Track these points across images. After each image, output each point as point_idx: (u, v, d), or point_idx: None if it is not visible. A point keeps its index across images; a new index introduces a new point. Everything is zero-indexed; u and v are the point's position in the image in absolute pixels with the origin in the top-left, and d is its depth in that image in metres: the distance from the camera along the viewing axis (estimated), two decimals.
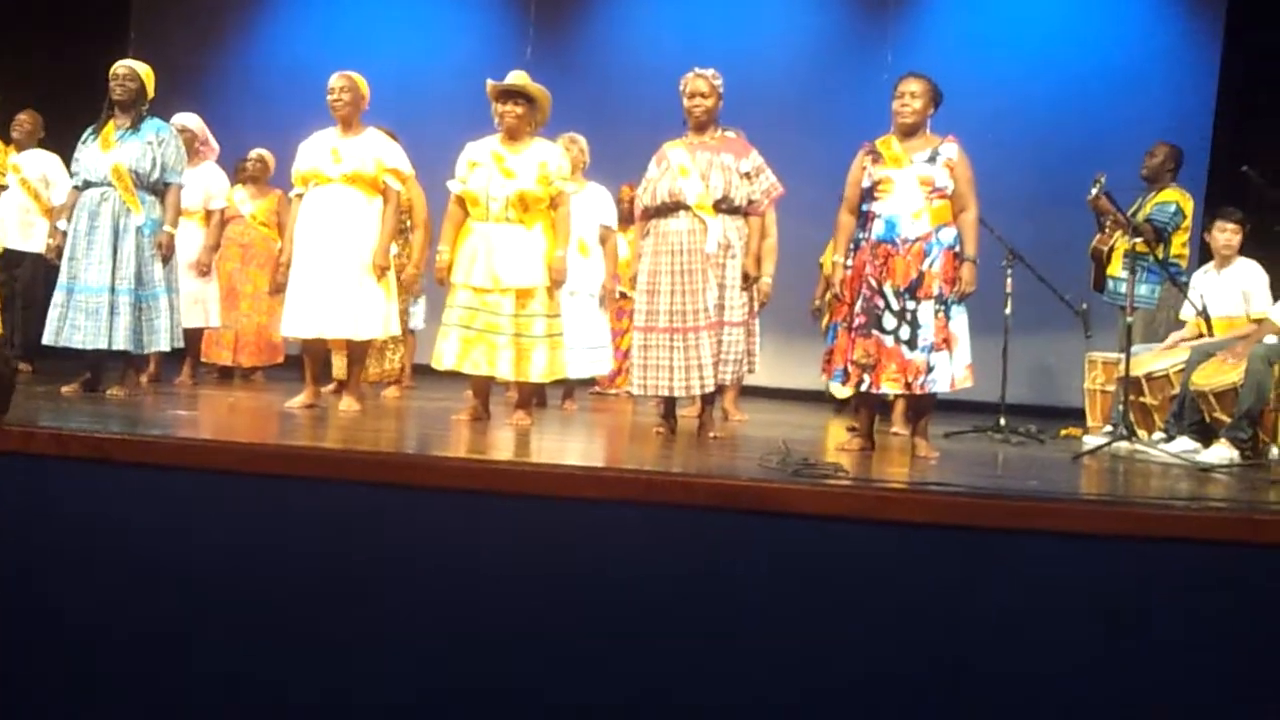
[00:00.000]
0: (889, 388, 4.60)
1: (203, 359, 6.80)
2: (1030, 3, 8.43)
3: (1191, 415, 5.15)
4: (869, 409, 4.87)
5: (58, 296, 5.19)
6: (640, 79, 8.09)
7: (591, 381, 7.28)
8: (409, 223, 6.19)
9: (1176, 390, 5.34)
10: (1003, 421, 5.82)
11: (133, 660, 3.25)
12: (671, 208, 4.86)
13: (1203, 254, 6.13)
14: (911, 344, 4.51)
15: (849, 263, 4.67)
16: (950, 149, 4.62)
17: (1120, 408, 5.29)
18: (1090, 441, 5.53)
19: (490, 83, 5.10)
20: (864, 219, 4.67)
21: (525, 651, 3.18)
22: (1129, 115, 7.79)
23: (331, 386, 6.14)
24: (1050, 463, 4.84)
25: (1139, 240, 5.51)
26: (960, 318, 4.58)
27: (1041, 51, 8.29)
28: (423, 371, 6.30)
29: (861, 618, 3.14)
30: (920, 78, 4.69)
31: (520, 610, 3.20)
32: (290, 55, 8.98)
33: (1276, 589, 3.09)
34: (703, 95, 4.89)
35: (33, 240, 6.60)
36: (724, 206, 4.83)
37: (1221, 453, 4.76)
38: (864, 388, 4.60)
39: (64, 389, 5.20)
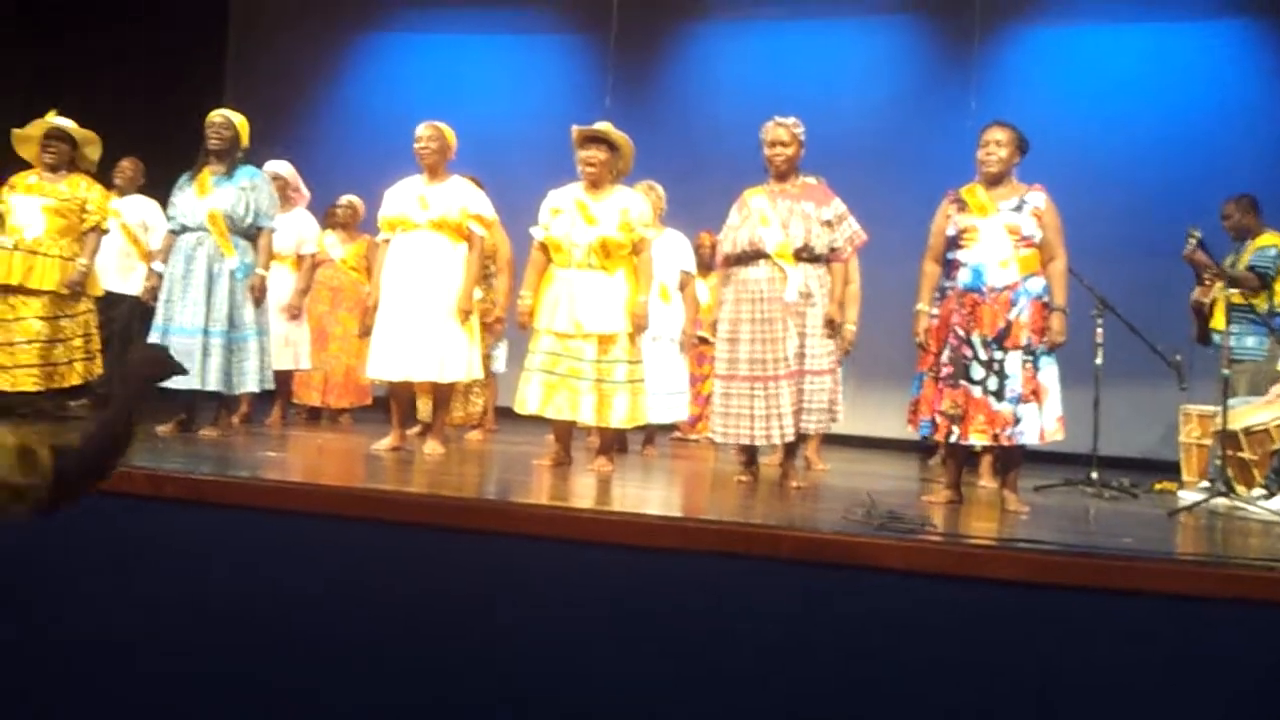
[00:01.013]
0: (977, 439, 4.52)
1: (293, 400, 6.93)
2: (1117, 48, 8.31)
3: None
4: (956, 460, 4.79)
5: (153, 338, 5.35)
6: (719, 127, 8.14)
7: (672, 427, 7.27)
8: (493, 267, 6.28)
9: (1277, 445, 5.17)
10: (1095, 475, 5.68)
11: (228, 701, 3.30)
12: (752, 256, 4.86)
13: None
14: (999, 395, 4.43)
15: (935, 312, 4.63)
16: (1037, 197, 4.56)
17: (1218, 462, 5.13)
18: (1186, 497, 5.37)
19: (575, 128, 5.17)
20: (950, 267, 4.62)
21: (607, 701, 3.16)
22: (1221, 161, 7.60)
23: (417, 429, 6.22)
24: (1144, 519, 4.71)
25: (1234, 291, 5.37)
26: (1050, 369, 4.50)
27: (1129, 97, 8.15)
28: (504, 414, 6.36)
29: (948, 676, 3.07)
30: (1005, 126, 4.65)
31: (602, 659, 3.19)
32: (378, 105, 9.19)
33: None
34: (784, 144, 4.90)
35: (131, 283, 6.80)
36: (804, 255, 4.82)
37: None
38: (952, 439, 4.53)
39: (160, 429, 5.33)
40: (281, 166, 6.64)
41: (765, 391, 4.79)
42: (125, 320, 6.85)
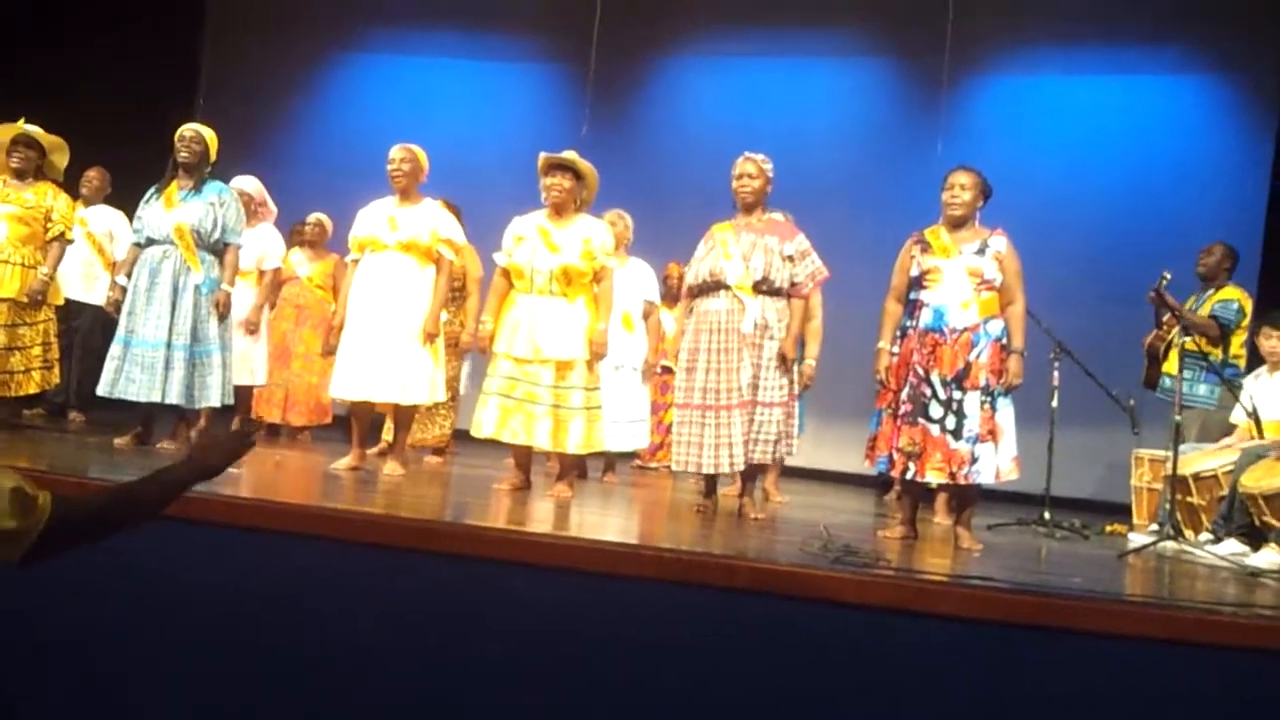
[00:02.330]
0: (933, 477, 4.58)
1: (252, 415, 6.88)
2: (1083, 99, 8.47)
3: (1240, 518, 5.07)
4: (912, 497, 4.84)
5: (115, 349, 5.31)
6: (692, 160, 8.22)
7: (633, 455, 7.29)
8: (462, 289, 6.30)
9: (1225, 491, 5.26)
10: (1047, 515, 5.76)
11: (169, 708, 3.27)
12: (712, 287, 4.92)
13: (1252, 356, 6.07)
14: (957, 434, 4.50)
15: (895, 350, 4.69)
16: (999, 242, 4.65)
17: (1167, 506, 5.22)
18: (1136, 539, 5.45)
19: (542, 155, 5.21)
20: (912, 307, 4.69)
21: None
22: (1180, 213, 7.80)
23: (378, 448, 6.20)
24: (1094, 560, 4.78)
25: (1188, 340, 5.48)
26: (1006, 410, 4.57)
27: (1093, 147, 8.33)
28: (463, 438, 6.35)
29: (900, 710, 3.10)
30: (970, 170, 4.74)
31: (555, 684, 3.19)
32: (350, 125, 9.21)
33: None
34: (751, 177, 4.97)
35: (94, 292, 6.76)
36: (764, 288, 4.88)
37: (1271, 557, 4.68)
38: (909, 476, 4.59)
39: (117, 440, 5.29)
40: (247, 182, 6.63)
41: (717, 420, 4.84)
42: (86, 330, 6.80)
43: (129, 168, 6.85)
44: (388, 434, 6.22)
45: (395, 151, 5.36)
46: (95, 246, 6.85)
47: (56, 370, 5.94)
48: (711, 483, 5.10)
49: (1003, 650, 3.13)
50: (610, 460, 6.52)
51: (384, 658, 3.27)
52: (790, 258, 4.93)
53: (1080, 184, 8.20)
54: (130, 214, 5.82)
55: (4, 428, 5.62)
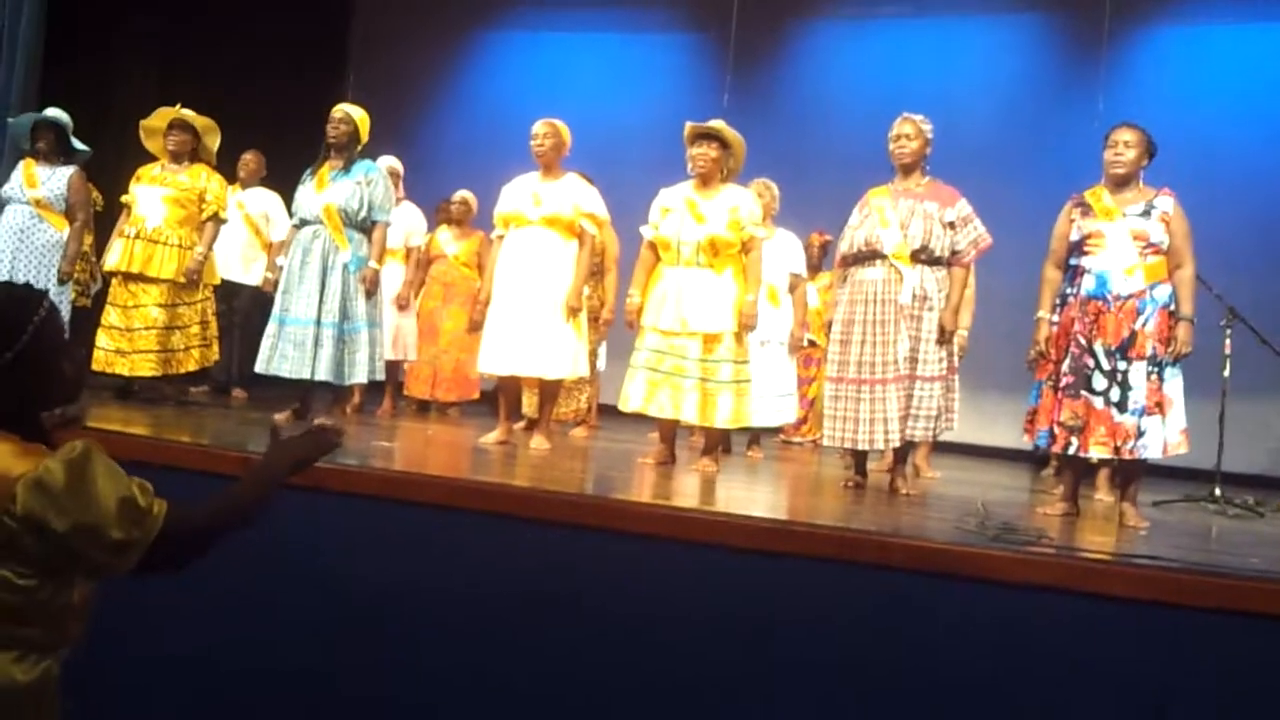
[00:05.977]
0: (1097, 452, 4.37)
1: (403, 392, 7.04)
2: (1255, 49, 7.97)
3: None
4: (1074, 472, 4.64)
5: (270, 327, 5.52)
6: (837, 126, 8.06)
7: (777, 429, 7.20)
8: (601, 263, 6.31)
9: None
10: (1218, 491, 5.47)
11: (331, 684, 3.36)
12: (868, 256, 4.77)
13: None
14: (1121, 406, 4.28)
15: (1055, 319, 4.49)
16: (1166, 202, 4.39)
17: None
18: None
19: (688, 125, 5.14)
20: (1072, 274, 4.47)
21: (715, 705, 3.13)
22: None
23: (523, 424, 6.27)
24: (1271, 538, 4.52)
25: None
26: (1175, 380, 4.33)
27: (1266, 101, 7.81)
28: (607, 412, 6.36)
29: (1062, 693, 2.98)
30: (1134, 128, 4.49)
31: (706, 663, 3.16)
32: (493, 102, 9.31)
33: None
34: (909, 138, 4.79)
35: (252, 273, 7.00)
36: (922, 256, 4.71)
37: None
38: (1071, 451, 4.39)
39: (276, 416, 5.46)
40: (392, 161, 6.75)
41: (871, 395, 4.70)
42: (245, 310, 7.05)
43: (286, 150, 7.05)
44: (529, 409, 6.27)
45: (538, 126, 5.37)
46: (252, 228, 7.07)
47: (215, 348, 6.17)
48: (861, 457, 4.98)
49: (1173, 634, 2.97)
50: (755, 435, 6.44)
51: (535, 629, 3.29)
52: (951, 224, 4.75)
53: (1252, 141, 7.71)
54: (287, 195, 6.00)
55: (172, 405, 5.87)
